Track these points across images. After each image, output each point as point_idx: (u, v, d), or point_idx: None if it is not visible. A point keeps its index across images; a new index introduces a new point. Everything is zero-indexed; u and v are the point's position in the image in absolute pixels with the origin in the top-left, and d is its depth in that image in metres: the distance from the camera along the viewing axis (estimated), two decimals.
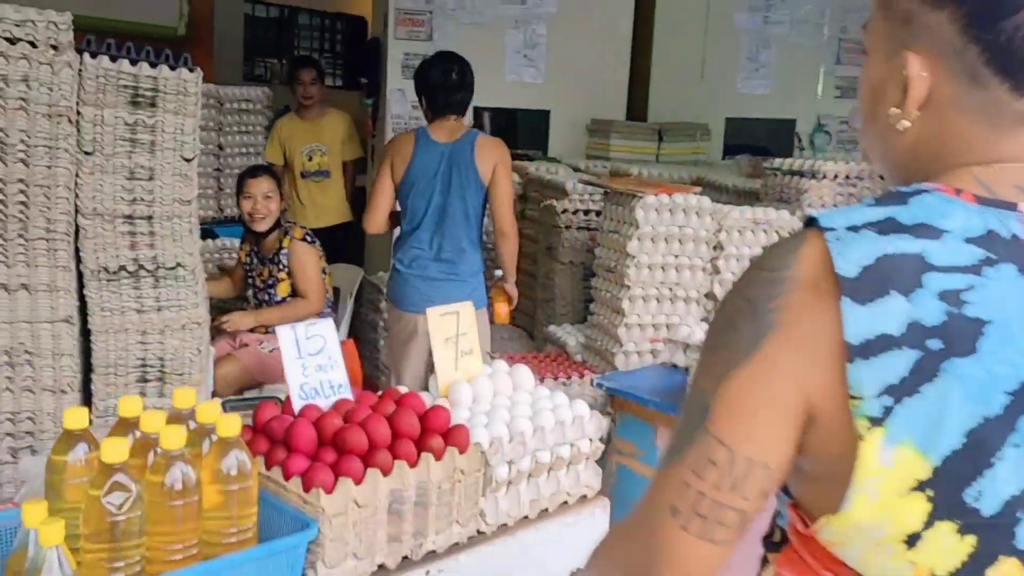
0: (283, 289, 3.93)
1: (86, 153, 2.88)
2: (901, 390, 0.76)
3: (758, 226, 3.68)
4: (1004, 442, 0.77)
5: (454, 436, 1.72)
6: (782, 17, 6.69)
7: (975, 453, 0.76)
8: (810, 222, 0.83)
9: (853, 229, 0.80)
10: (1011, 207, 0.82)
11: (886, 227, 0.80)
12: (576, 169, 5.62)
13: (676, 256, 3.59)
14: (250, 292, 4.07)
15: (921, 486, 0.77)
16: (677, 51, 6.52)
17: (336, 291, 4.27)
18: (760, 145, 6.79)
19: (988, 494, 0.77)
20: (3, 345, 2.92)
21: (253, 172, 3.89)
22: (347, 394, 1.78)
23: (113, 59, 2.87)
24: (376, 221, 3.72)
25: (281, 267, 3.92)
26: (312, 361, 1.75)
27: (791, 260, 0.82)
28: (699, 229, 3.60)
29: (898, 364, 0.76)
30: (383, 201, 3.68)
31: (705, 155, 6.51)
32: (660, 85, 6.58)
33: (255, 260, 4.04)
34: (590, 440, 1.95)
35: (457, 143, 3.63)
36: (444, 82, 3.68)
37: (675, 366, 2.99)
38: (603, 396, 3.03)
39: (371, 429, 1.63)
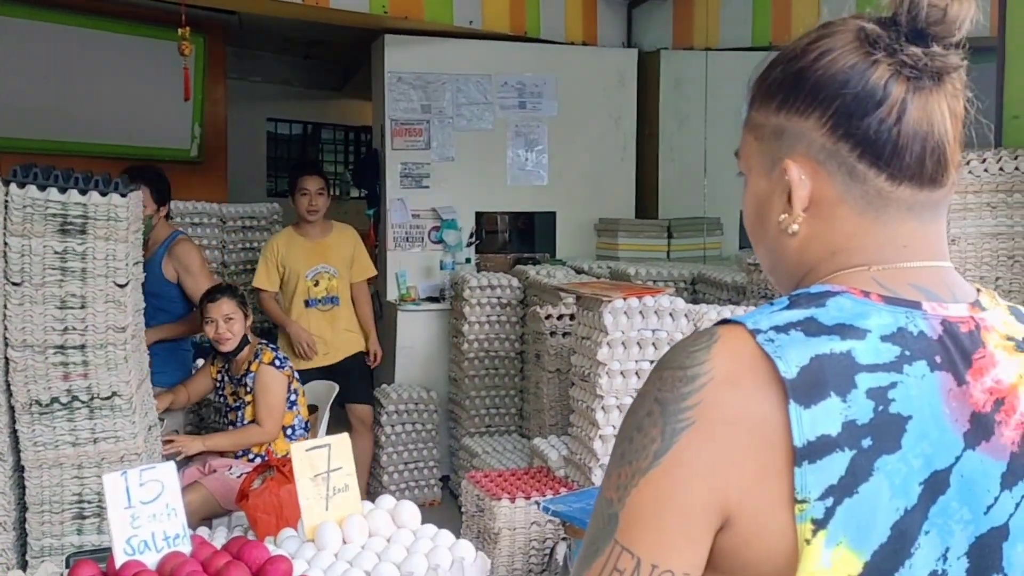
0: (251, 412, 3.80)
1: (14, 284, 2.82)
2: (840, 491, 0.77)
3: None
4: (919, 531, 0.80)
5: None
6: None
7: (898, 545, 0.79)
8: (723, 322, 0.85)
9: (780, 330, 0.81)
10: (915, 306, 0.85)
11: (811, 328, 0.81)
12: (579, 271, 5.47)
13: (651, 361, 3.38)
14: (220, 411, 3.94)
15: None
16: (685, 146, 6.40)
17: (313, 409, 4.12)
18: None
19: None
20: None
21: (211, 295, 3.80)
22: (183, 546, 1.61)
23: (42, 188, 2.83)
24: None
25: (248, 389, 3.80)
26: (145, 511, 1.58)
27: (703, 357, 0.81)
28: (674, 332, 3.39)
29: (837, 465, 0.77)
30: None
31: (720, 250, 6.30)
32: (670, 182, 6.44)
33: (225, 378, 3.94)
34: None
35: None
36: None
37: None
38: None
39: None
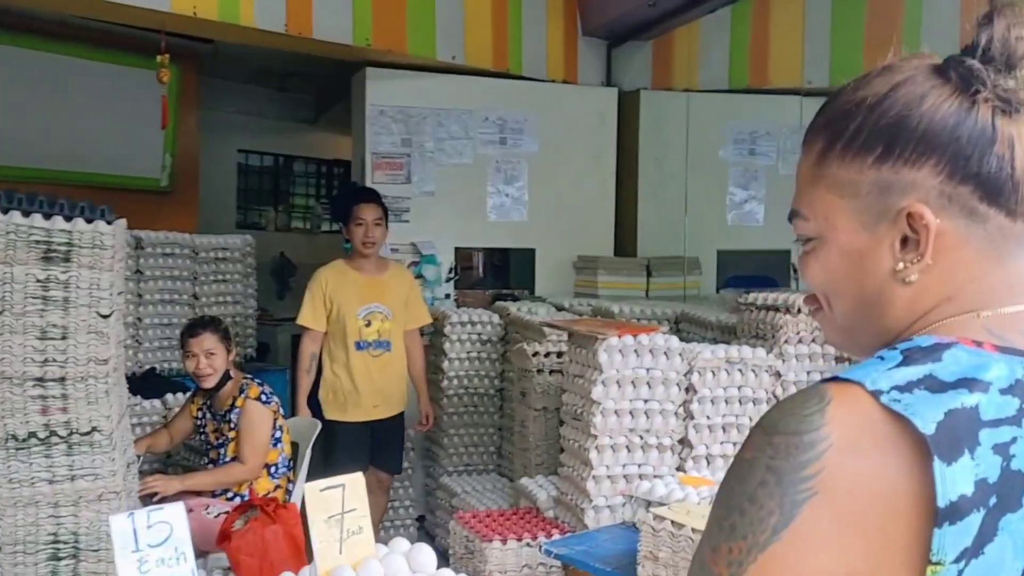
0: (234, 449, 3.67)
1: None
2: (971, 552, 0.74)
3: (732, 365, 3.41)
4: None
5: None
6: (768, 149, 6.60)
7: None
8: (831, 380, 0.80)
9: (902, 390, 0.77)
10: None
11: (933, 385, 0.77)
12: (560, 308, 5.42)
13: (645, 401, 3.33)
14: (200, 450, 3.80)
15: None
16: (664, 186, 6.42)
17: (295, 446, 3.99)
18: (759, 275, 6.59)
19: None
20: None
21: (192, 330, 3.67)
22: None
23: (26, 214, 2.73)
24: None
25: (232, 426, 3.67)
26: (153, 554, 1.48)
27: (819, 422, 0.76)
28: (668, 371, 3.34)
29: (972, 526, 0.74)
30: None
31: (698, 289, 6.30)
32: (648, 220, 6.45)
33: (207, 415, 3.80)
34: None
35: None
36: None
37: (634, 526, 2.68)
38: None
39: None
